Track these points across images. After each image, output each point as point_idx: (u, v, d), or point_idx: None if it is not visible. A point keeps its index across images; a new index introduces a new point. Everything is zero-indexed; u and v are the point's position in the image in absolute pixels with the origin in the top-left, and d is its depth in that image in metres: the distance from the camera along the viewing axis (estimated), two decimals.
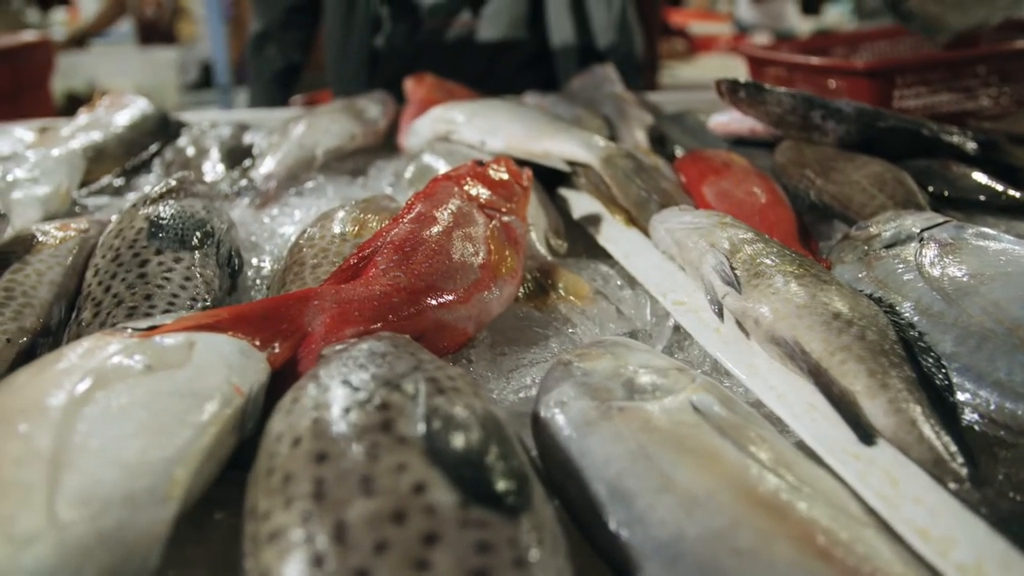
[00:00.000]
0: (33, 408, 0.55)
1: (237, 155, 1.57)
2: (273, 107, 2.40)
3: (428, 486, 0.48)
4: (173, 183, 1.09)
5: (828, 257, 0.99)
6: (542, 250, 1.03)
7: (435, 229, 0.87)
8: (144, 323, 0.71)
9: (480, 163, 1.04)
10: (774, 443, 0.62)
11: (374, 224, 0.95)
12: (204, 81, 4.86)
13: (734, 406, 0.66)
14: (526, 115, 1.28)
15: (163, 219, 0.97)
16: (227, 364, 0.64)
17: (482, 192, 0.98)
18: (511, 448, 0.55)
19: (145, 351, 0.63)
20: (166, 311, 0.85)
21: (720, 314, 0.82)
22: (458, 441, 0.52)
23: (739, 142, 1.43)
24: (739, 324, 0.82)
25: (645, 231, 1.08)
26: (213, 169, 1.51)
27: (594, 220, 1.15)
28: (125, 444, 0.53)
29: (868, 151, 1.21)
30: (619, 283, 1.00)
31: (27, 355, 0.87)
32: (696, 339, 0.85)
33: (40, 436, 0.52)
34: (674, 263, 0.98)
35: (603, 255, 1.10)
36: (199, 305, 0.88)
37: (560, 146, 1.20)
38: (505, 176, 1.04)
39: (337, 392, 0.57)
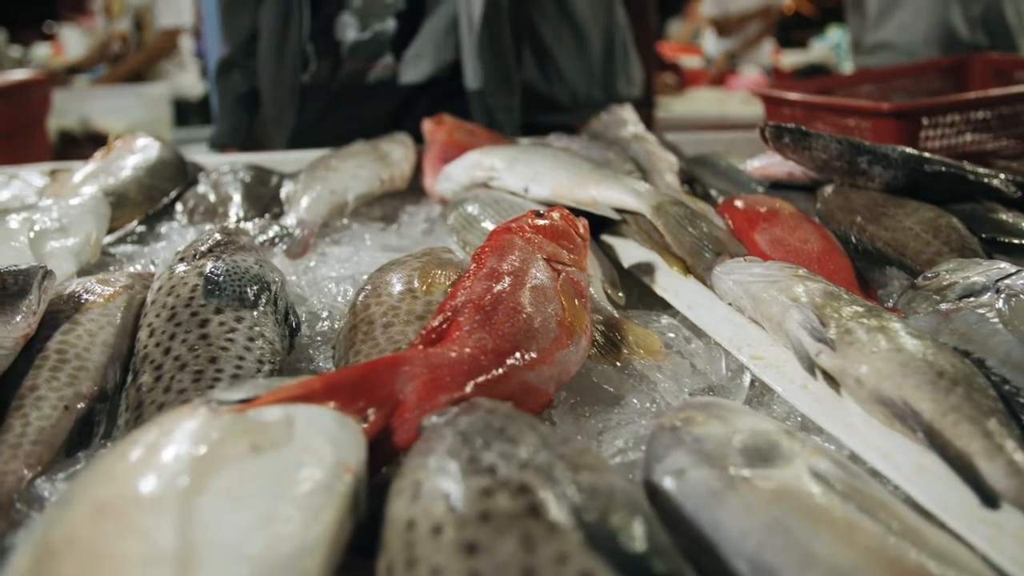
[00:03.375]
0: (146, 499, 0.51)
1: (260, 200, 1.54)
2: (238, 135, 2.52)
3: None
4: (219, 236, 1.06)
5: (895, 307, 0.98)
6: (604, 303, 1.01)
7: (511, 286, 0.85)
8: (228, 394, 0.68)
9: (538, 213, 1.02)
10: (896, 508, 0.61)
11: (442, 279, 0.92)
12: (178, 119, 4.83)
13: (849, 470, 0.65)
14: (569, 161, 1.27)
15: (218, 275, 0.94)
16: (330, 440, 0.61)
17: (546, 244, 0.96)
18: (658, 527, 0.53)
19: (246, 430, 0.59)
20: (234, 375, 0.82)
21: (812, 371, 0.80)
22: (615, 526, 0.50)
23: (775, 186, 1.43)
24: (828, 381, 0.80)
25: (701, 280, 1.07)
26: (238, 215, 1.48)
27: (648, 269, 1.13)
28: (251, 537, 0.50)
29: (911, 195, 1.21)
30: (685, 335, 0.98)
31: (85, 423, 0.83)
32: (783, 396, 0.83)
33: (162, 532, 0.49)
34: (743, 315, 0.96)
35: (659, 305, 1.09)
36: (266, 368, 0.85)
37: (608, 194, 1.18)
38: (565, 226, 1.02)
39: (466, 473, 0.54)
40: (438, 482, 0.54)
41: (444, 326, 0.78)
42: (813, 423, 0.80)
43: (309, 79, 2.36)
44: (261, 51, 2.40)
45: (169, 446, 0.57)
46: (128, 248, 1.38)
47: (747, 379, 0.90)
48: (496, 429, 0.60)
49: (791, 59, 5.99)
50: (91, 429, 0.83)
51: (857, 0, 2.91)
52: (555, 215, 1.03)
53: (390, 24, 2.28)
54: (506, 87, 2.34)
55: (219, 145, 2.62)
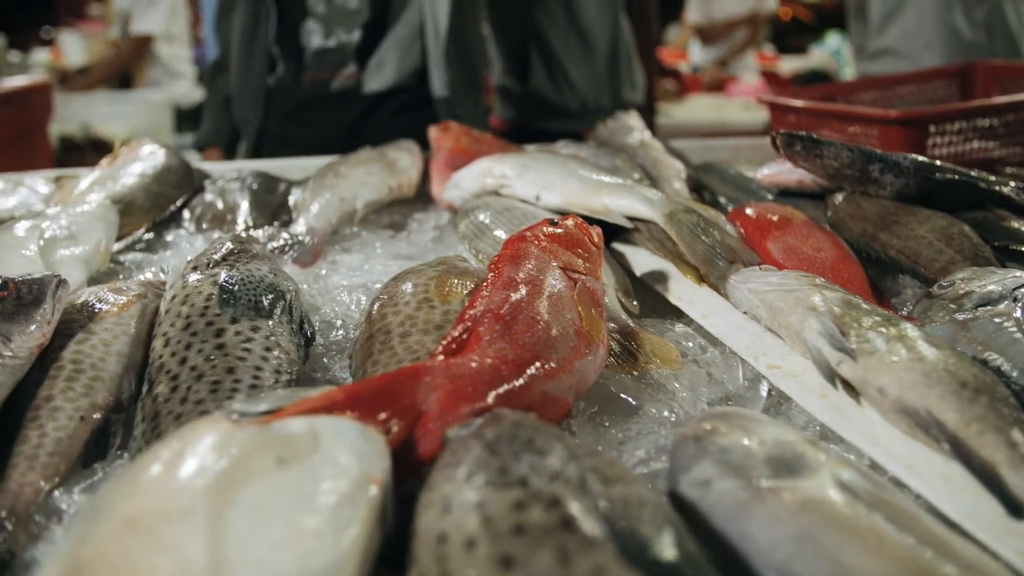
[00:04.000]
0: (174, 513, 0.51)
1: (268, 207, 1.53)
2: (220, 136, 2.55)
3: None
4: (232, 244, 1.06)
5: (910, 316, 0.98)
6: (619, 312, 1.01)
7: (529, 296, 0.84)
8: (250, 406, 0.67)
9: (553, 222, 1.02)
10: (923, 519, 0.61)
11: (459, 289, 0.92)
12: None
13: (873, 480, 0.65)
14: (581, 169, 1.26)
15: (233, 284, 0.94)
16: (355, 452, 0.61)
17: (561, 253, 0.96)
18: (689, 538, 0.54)
19: (271, 442, 0.59)
20: (252, 386, 0.81)
21: (832, 381, 0.80)
22: (648, 537, 0.50)
23: (784, 193, 1.43)
24: (847, 390, 0.80)
25: (715, 288, 1.07)
26: (246, 223, 1.47)
27: (660, 277, 1.13)
28: (281, 552, 0.50)
29: (921, 203, 1.21)
30: (701, 344, 0.97)
31: (101, 433, 0.83)
32: (802, 405, 0.83)
33: (193, 548, 0.48)
34: (759, 324, 0.96)
35: (672, 313, 1.08)
36: (283, 378, 0.84)
37: (620, 202, 1.18)
38: (579, 235, 1.02)
39: (497, 486, 0.53)
40: (469, 495, 0.53)
41: (464, 336, 0.78)
42: (832, 433, 0.79)
43: (275, 83, 2.39)
44: (232, 53, 2.44)
45: (194, 459, 0.56)
46: (136, 256, 1.37)
47: (764, 388, 0.90)
48: (524, 441, 0.59)
49: (790, 65, 6.01)
50: (107, 440, 0.83)
51: (859, 7, 2.92)
52: (569, 223, 1.03)
53: (355, 35, 2.31)
54: (474, 94, 2.38)
55: (201, 146, 2.63)
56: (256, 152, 2.40)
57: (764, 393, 0.90)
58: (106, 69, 4.41)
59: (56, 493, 0.75)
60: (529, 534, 0.49)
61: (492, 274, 0.89)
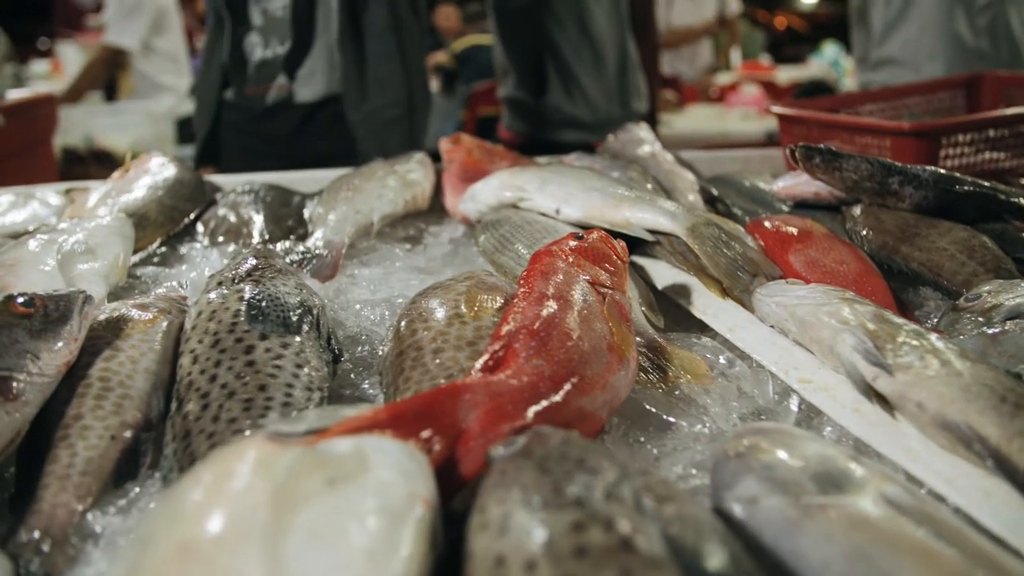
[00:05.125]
0: (230, 539, 0.50)
1: (283, 220, 1.53)
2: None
3: None
4: (255, 259, 1.05)
5: (936, 329, 0.98)
6: (645, 326, 1.01)
7: (562, 312, 0.84)
8: (293, 426, 0.67)
9: (578, 236, 1.02)
10: (969, 534, 0.61)
11: (489, 304, 0.92)
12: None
13: (916, 495, 0.65)
14: (600, 182, 1.26)
15: (261, 300, 0.93)
16: (402, 472, 0.60)
17: (589, 267, 0.96)
18: (745, 556, 0.54)
19: (320, 463, 0.58)
20: (284, 403, 0.81)
21: (868, 395, 0.80)
22: (707, 556, 0.50)
23: (799, 205, 1.43)
24: (880, 404, 0.80)
25: (739, 302, 1.07)
26: (262, 236, 1.47)
27: (683, 291, 1.13)
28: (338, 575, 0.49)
29: (939, 215, 1.22)
30: (728, 358, 0.97)
31: (131, 452, 0.82)
32: (835, 420, 0.83)
33: (252, 573, 0.48)
34: (787, 338, 0.96)
35: (695, 327, 1.08)
36: (316, 395, 0.84)
37: (642, 215, 1.18)
38: (605, 249, 1.02)
39: (553, 507, 0.53)
40: (525, 516, 0.53)
41: (501, 353, 0.77)
42: (866, 447, 0.79)
43: (231, 96, 2.46)
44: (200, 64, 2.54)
45: (244, 482, 0.56)
46: (152, 270, 1.37)
47: (795, 402, 0.90)
48: (575, 460, 0.59)
49: (787, 75, 6.04)
50: (137, 459, 0.82)
51: (861, 16, 2.92)
52: (595, 237, 1.03)
53: (286, 45, 2.36)
54: (407, 110, 2.45)
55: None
56: (200, 161, 2.47)
57: (795, 407, 0.90)
58: (81, 80, 4.34)
59: (89, 515, 0.74)
60: (591, 556, 0.48)
61: (523, 289, 0.89)
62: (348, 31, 2.28)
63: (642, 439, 0.83)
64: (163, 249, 1.49)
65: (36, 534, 0.71)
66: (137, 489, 0.78)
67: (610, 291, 0.95)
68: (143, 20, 4.17)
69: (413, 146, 2.36)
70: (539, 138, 2.86)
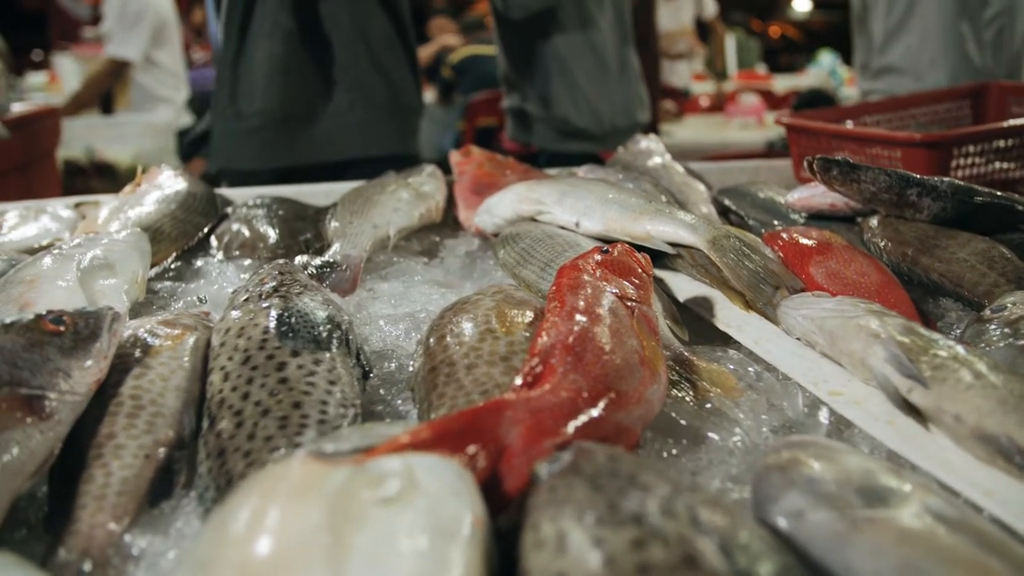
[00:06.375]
0: (292, 560, 0.50)
1: (299, 234, 1.53)
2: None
3: None
4: (280, 275, 1.05)
5: (962, 340, 0.98)
6: (671, 339, 1.01)
7: (595, 326, 0.84)
8: (338, 445, 0.67)
9: (604, 250, 1.02)
10: (1013, 545, 0.61)
11: (520, 319, 0.92)
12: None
13: (958, 507, 0.65)
14: (620, 195, 1.27)
15: (290, 316, 0.93)
16: (453, 490, 0.60)
17: (616, 281, 0.97)
18: (799, 568, 0.54)
19: (372, 482, 0.58)
20: (320, 420, 0.81)
21: (903, 408, 0.80)
22: (766, 570, 0.50)
23: (814, 216, 1.44)
24: (914, 416, 0.80)
25: (762, 314, 1.07)
26: (276, 250, 1.47)
27: (705, 304, 1.13)
28: None
29: (956, 226, 1.22)
30: (756, 370, 0.98)
31: (165, 471, 0.81)
32: (869, 433, 0.83)
33: None
34: (814, 350, 0.96)
35: (719, 339, 1.09)
36: (350, 412, 0.83)
37: (663, 228, 1.19)
38: (630, 263, 1.02)
39: (611, 524, 0.53)
40: (582, 534, 0.53)
41: (539, 369, 0.78)
42: (899, 460, 0.79)
43: None
44: None
45: (298, 501, 0.56)
46: (168, 284, 1.36)
47: (824, 414, 0.90)
48: (626, 476, 0.59)
49: (784, 84, 6.08)
50: (171, 478, 0.81)
51: (862, 23, 2.93)
52: (620, 251, 1.03)
53: None
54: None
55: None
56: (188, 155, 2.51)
57: (825, 420, 0.90)
58: (83, 93, 4.33)
59: (127, 536, 0.73)
60: (654, 573, 0.49)
61: (555, 304, 0.89)
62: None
63: (675, 452, 0.83)
64: (178, 264, 1.48)
65: (76, 555, 0.71)
66: (173, 509, 0.77)
67: (637, 305, 0.95)
68: (144, 32, 4.17)
69: (404, 148, 2.35)
70: (543, 149, 2.87)
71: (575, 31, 2.63)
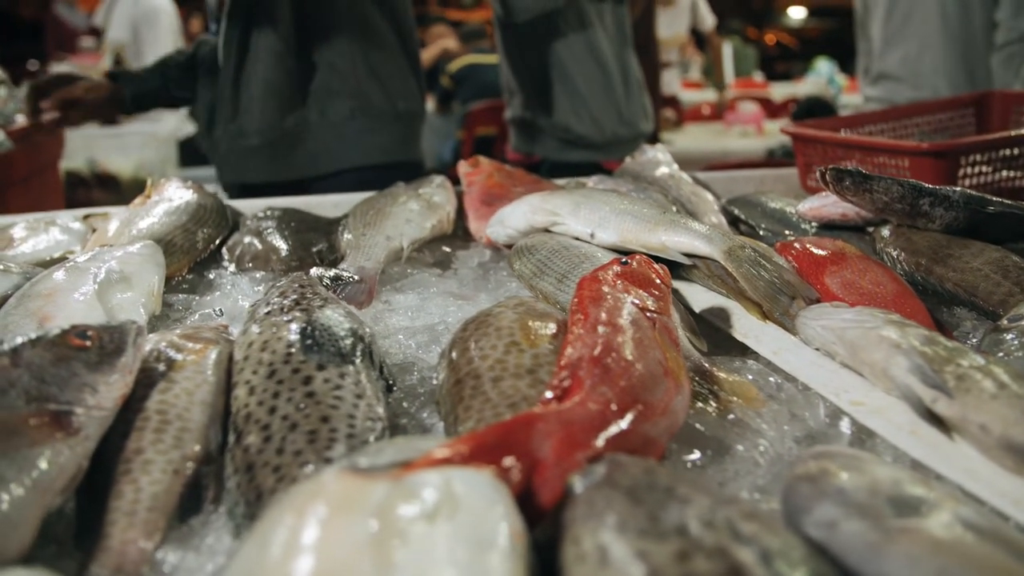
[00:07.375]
0: None
1: (312, 245, 1.53)
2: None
3: None
4: (301, 288, 1.05)
5: (979, 349, 0.99)
6: (690, 350, 1.02)
7: (620, 338, 0.85)
8: (374, 459, 0.67)
9: (623, 261, 1.03)
10: None
11: (544, 331, 0.92)
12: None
13: (987, 516, 0.66)
14: (634, 206, 1.28)
15: (314, 329, 0.94)
16: (491, 504, 0.60)
17: (636, 293, 0.97)
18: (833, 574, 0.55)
19: (411, 497, 0.59)
20: (348, 435, 0.81)
21: (928, 418, 0.81)
22: None
23: (825, 226, 1.45)
24: (937, 425, 0.81)
25: (779, 324, 1.08)
26: (290, 262, 1.47)
27: (722, 314, 1.14)
28: None
29: (968, 236, 1.23)
30: (776, 381, 0.98)
31: (194, 486, 0.81)
32: (892, 443, 0.83)
33: None
34: (833, 360, 0.97)
35: (736, 350, 1.09)
36: (378, 426, 0.84)
37: (678, 239, 1.19)
38: (649, 274, 1.03)
39: (652, 536, 0.54)
40: (625, 546, 0.53)
41: (567, 383, 0.78)
42: (922, 469, 0.80)
43: None
44: None
45: (340, 517, 0.56)
46: (182, 297, 1.36)
47: (846, 424, 0.91)
48: (664, 488, 0.60)
49: (782, 91, 6.11)
50: (200, 494, 0.81)
51: (864, 27, 2.94)
52: (639, 262, 1.04)
53: None
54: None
55: None
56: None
57: (847, 430, 0.90)
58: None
59: (159, 553, 0.73)
60: None
61: (579, 316, 0.90)
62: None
63: (700, 464, 0.84)
64: (190, 276, 1.48)
65: (109, 572, 0.71)
66: (203, 524, 0.78)
67: (658, 316, 0.96)
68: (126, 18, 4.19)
69: (407, 155, 2.36)
70: (545, 158, 2.88)
71: (575, 38, 2.65)
